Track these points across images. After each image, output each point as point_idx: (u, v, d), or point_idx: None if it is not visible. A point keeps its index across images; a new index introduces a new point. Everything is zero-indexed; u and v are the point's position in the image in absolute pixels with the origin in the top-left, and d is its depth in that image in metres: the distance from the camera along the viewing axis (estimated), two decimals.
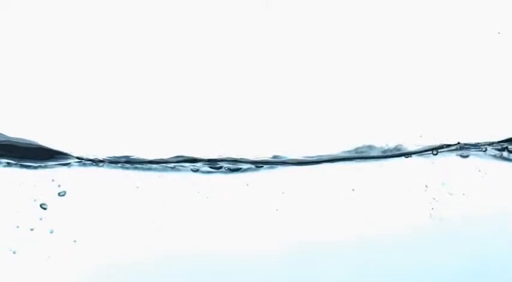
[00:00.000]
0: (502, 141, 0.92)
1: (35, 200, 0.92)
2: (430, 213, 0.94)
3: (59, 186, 0.93)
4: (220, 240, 0.94)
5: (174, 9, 0.94)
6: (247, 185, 0.94)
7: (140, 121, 0.92)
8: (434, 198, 0.94)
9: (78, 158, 0.92)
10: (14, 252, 0.92)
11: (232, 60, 0.93)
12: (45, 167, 0.92)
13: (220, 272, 0.94)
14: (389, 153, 0.93)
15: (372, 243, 0.94)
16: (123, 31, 0.93)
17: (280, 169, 0.94)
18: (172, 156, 0.92)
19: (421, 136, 0.93)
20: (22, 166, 0.92)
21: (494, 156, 0.94)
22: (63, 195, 0.92)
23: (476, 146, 0.93)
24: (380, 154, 0.93)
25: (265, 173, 0.94)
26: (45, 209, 0.92)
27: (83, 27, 0.94)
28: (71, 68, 0.94)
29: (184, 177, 0.93)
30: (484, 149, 0.93)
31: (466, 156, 0.94)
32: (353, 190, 0.94)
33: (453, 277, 0.95)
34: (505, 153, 0.94)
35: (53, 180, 0.93)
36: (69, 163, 0.93)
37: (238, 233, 0.94)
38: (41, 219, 0.92)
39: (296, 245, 0.94)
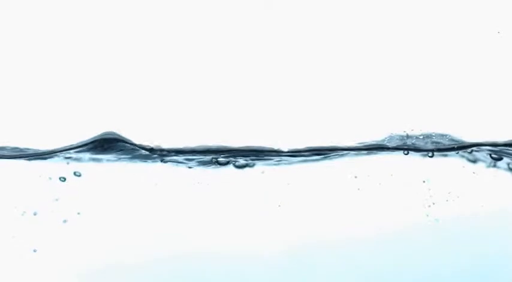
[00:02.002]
0: (498, 146, 0.93)
1: (50, 178, 0.93)
2: (427, 214, 0.95)
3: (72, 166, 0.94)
4: (230, 234, 0.95)
5: (174, 9, 0.94)
6: (262, 172, 0.94)
7: (148, 116, 0.93)
8: (429, 200, 0.95)
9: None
10: (34, 251, 0.93)
11: (233, 60, 0.94)
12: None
13: (221, 271, 0.94)
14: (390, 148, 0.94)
15: (366, 242, 0.94)
16: (123, 32, 0.93)
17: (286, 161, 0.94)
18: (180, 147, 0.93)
19: (421, 136, 0.94)
20: None
21: (490, 159, 0.94)
22: (78, 175, 0.93)
23: (473, 148, 0.93)
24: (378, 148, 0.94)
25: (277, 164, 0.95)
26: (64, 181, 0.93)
27: (86, 26, 0.94)
28: (73, 68, 0.94)
29: (188, 170, 0.94)
30: (470, 151, 0.93)
31: (463, 157, 0.95)
32: (355, 177, 0.94)
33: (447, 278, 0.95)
34: (503, 156, 0.94)
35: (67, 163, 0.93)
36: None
37: (241, 229, 0.95)
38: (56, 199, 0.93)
39: (288, 243, 0.95)
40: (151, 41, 0.93)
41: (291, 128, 0.93)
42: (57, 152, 0.91)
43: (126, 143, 0.90)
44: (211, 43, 0.94)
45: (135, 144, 0.90)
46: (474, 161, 0.94)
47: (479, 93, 0.94)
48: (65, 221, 0.92)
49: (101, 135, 0.90)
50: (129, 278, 0.93)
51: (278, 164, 0.93)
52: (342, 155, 0.93)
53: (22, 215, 0.92)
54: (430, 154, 0.93)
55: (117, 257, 0.94)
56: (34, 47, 0.92)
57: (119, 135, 0.90)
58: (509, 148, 0.91)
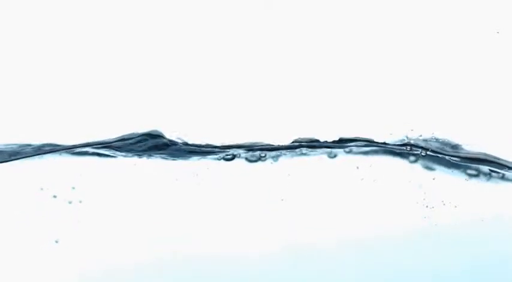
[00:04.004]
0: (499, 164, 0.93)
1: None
2: (425, 217, 0.95)
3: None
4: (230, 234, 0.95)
5: (174, 9, 0.94)
6: (271, 163, 0.94)
7: (154, 112, 0.94)
8: (426, 205, 0.95)
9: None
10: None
11: (233, 60, 0.94)
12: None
13: (219, 271, 0.95)
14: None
15: (362, 244, 0.95)
16: (123, 33, 0.93)
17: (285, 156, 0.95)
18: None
19: (420, 135, 0.94)
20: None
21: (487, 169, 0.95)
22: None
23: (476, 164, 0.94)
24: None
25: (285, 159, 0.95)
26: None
27: (86, 26, 0.94)
28: (73, 68, 0.94)
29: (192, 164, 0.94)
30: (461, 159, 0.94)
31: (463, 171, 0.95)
32: (362, 179, 0.94)
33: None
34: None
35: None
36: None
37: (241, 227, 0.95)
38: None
39: (285, 245, 0.95)
40: (150, 42, 0.94)
41: (294, 126, 0.94)
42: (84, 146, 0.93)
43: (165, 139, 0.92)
44: (212, 43, 0.94)
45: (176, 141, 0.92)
46: (476, 175, 0.94)
47: (478, 93, 0.94)
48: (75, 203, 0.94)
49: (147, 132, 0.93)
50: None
51: (282, 158, 0.94)
52: (348, 152, 0.94)
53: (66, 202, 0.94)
54: (423, 153, 0.94)
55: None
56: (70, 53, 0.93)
57: (160, 133, 0.93)
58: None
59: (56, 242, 0.95)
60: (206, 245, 0.95)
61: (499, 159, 0.93)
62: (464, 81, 0.94)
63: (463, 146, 0.94)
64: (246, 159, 0.94)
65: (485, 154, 0.93)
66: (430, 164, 0.95)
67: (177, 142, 0.93)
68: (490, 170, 0.93)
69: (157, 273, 0.95)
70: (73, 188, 0.94)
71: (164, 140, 0.93)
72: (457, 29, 0.94)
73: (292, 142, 0.94)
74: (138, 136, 0.94)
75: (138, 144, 0.94)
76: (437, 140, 0.94)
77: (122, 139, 0.93)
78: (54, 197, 0.94)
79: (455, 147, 0.94)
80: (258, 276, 0.95)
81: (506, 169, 0.93)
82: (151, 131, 0.93)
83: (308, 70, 0.94)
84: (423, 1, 0.94)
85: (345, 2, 0.94)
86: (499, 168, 0.93)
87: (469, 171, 0.94)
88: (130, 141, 0.94)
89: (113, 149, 0.93)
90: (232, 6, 0.94)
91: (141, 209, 0.95)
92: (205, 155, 0.94)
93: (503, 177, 0.94)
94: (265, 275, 0.95)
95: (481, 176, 0.94)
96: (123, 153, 0.94)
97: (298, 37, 0.94)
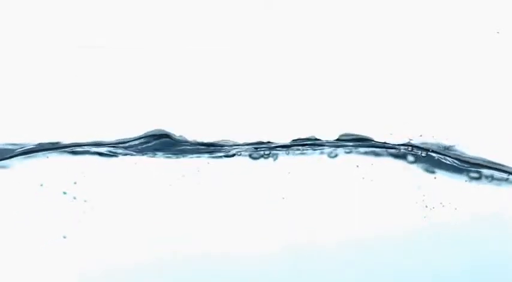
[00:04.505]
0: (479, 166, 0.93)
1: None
2: (425, 216, 0.95)
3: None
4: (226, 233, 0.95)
5: (175, 9, 0.94)
6: (272, 162, 0.95)
7: (149, 110, 0.94)
8: (426, 205, 0.95)
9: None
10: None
11: (233, 59, 0.94)
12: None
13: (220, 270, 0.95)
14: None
15: (362, 244, 0.95)
16: (122, 33, 0.94)
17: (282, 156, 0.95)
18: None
19: (421, 135, 0.94)
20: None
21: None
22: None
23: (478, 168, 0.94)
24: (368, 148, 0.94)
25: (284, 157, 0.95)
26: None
27: (87, 26, 0.94)
28: (71, 68, 0.94)
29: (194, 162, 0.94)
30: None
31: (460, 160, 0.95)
32: (363, 178, 0.94)
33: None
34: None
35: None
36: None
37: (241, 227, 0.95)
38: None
39: (286, 245, 0.95)
40: (152, 42, 0.94)
41: (294, 125, 0.94)
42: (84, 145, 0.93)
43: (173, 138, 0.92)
44: (213, 43, 0.94)
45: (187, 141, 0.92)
46: (477, 178, 0.94)
47: (478, 92, 0.94)
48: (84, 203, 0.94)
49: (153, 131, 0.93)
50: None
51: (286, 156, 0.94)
52: (349, 152, 0.94)
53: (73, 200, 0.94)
54: (423, 154, 0.94)
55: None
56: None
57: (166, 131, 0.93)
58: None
59: (64, 237, 0.95)
60: (206, 245, 0.95)
61: (499, 164, 0.93)
62: (465, 81, 0.94)
63: (463, 148, 0.94)
64: (250, 156, 0.94)
65: (485, 160, 0.93)
66: (430, 165, 0.95)
67: (181, 140, 0.93)
68: (491, 174, 0.94)
69: (157, 272, 0.95)
70: (74, 183, 0.94)
71: (169, 139, 0.93)
72: (457, 29, 0.94)
73: (293, 141, 0.94)
74: (142, 135, 0.94)
75: (142, 143, 0.94)
76: (437, 141, 0.94)
77: (126, 138, 0.93)
78: (64, 193, 0.94)
79: (455, 148, 0.94)
80: (258, 276, 0.95)
81: (507, 174, 0.93)
82: (156, 129, 0.94)
83: (309, 70, 0.94)
84: (424, 2, 0.94)
85: (346, 2, 0.94)
86: (499, 173, 0.93)
87: (470, 174, 0.94)
88: (134, 141, 0.94)
89: (116, 148, 0.94)
90: (233, 6, 0.94)
91: (142, 207, 0.95)
92: (207, 153, 0.94)
93: (505, 180, 0.94)
94: (265, 275, 0.95)
95: (482, 178, 0.94)
96: (125, 152, 0.94)
97: (299, 37, 0.94)
